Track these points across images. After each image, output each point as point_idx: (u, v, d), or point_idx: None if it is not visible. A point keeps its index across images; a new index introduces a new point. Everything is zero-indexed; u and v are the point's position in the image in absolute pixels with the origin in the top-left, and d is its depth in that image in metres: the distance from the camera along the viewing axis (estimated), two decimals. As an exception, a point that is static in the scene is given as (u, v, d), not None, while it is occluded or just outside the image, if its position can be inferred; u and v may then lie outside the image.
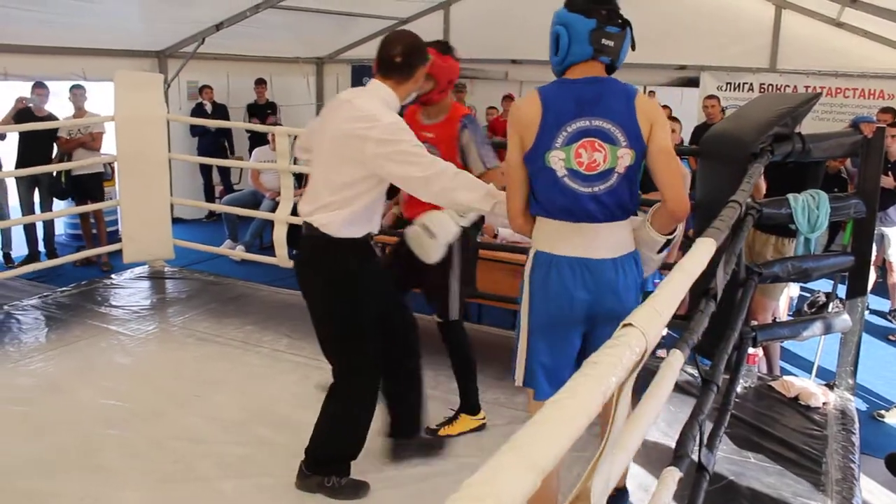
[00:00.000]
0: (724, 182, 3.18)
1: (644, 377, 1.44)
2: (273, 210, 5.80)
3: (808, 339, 3.74)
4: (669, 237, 2.45)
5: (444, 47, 3.10)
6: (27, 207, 7.29)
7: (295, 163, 5.06)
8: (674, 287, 1.42)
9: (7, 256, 7.42)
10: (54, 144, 7.18)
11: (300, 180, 6.64)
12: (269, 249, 6.24)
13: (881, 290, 6.68)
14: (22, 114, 6.96)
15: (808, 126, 3.33)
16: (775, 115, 3.29)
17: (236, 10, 8.14)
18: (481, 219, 4.53)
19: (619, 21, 2.26)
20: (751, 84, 9.19)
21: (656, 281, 4.57)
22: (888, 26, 7.35)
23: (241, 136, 9.66)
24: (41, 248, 7.47)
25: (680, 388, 3.80)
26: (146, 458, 3.13)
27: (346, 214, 2.64)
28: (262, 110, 9.53)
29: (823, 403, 3.71)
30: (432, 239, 2.84)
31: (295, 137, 4.10)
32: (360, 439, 2.94)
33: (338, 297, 2.73)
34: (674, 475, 1.48)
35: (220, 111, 9.24)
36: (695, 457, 1.77)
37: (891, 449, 3.73)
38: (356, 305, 2.76)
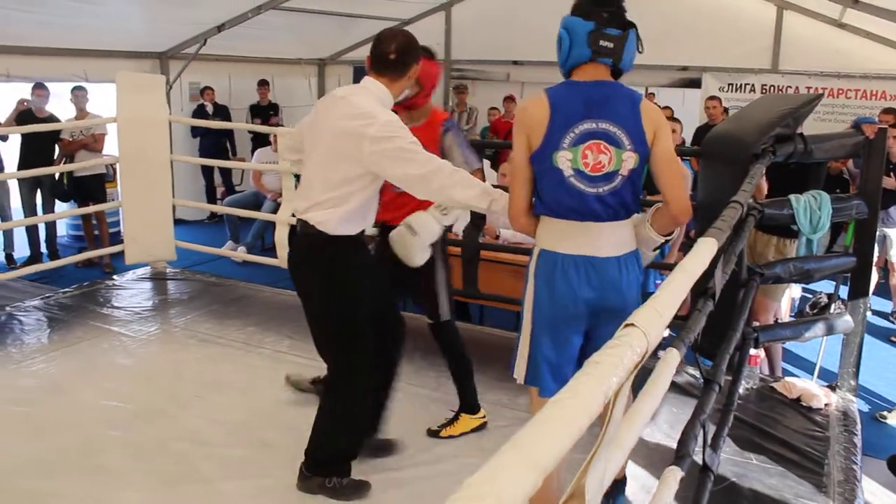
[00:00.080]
0: (725, 183, 3.17)
1: (642, 377, 1.44)
2: (275, 211, 5.81)
3: (810, 340, 3.74)
4: (667, 238, 2.49)
5: (429, 53, 3.11)
6: (29, 209, 7.30)
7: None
8: (675, 287, 1.42)
9: (9, 258, 7.43)
10: (56, 146, 7.20)
11: (302, 181, 6.64)
12: (271, 251, 6.25)
13: (883, 291, 6.67)
14: (23, 115, 6.97)
15: (809, 127, 3.33)
16: (777, 116, 3.29)
17: (238, 12, 8.16)
18: (482, 220, 4.55)
19: (621, 23, 2.28)
20: (752, 85, 9.20)
21: (657, 282, 4.58)
22: (890, 27, 7.35)
23: (244, 138, 9.67)
24: (43, 249, 7.48)
25: (682, 389, 3.80)
26: (148, 459, 3.13)
27: (342, 212, 2.64)
28: (265, 111, 9.54)
29: (825, 405, 3.71)
30: (416, 240, 2.86)
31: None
32: (360, 438, 2.94)
33: (335, 295, 2.73)
34: (675, 474, 1.48)
35: (222, 112, 9.25)
36: (697, 457, 1.77)
37: (893, 450, 3.72)
38: (354, 303, 2.76)
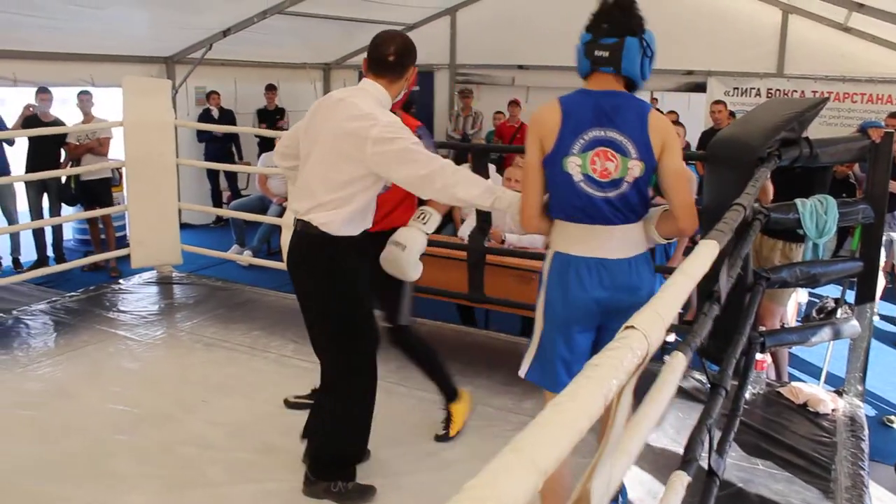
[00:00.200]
0: (731, 187, 3.16)
1: (648, 381, 1.43)
2: (280, 215, 5.83)
3: (817, 344, 3.72)
4: (668, 239, 2.58)
5: None
6: (36, 213, 7.33)
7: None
8: (676, 290, 1.41)
9: (16, 261, 7.46)
10: (62, 150, 7.23)
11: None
12: (277, 255, 6.26)
13: (890, 295, 6.65)
14: (29, 120, 7.01)
15: (815, 131, 3.32)
16: (782, 120, 3.28)
17: (244, 17, 8.18)
18: (488, 224, 4.55)
19: (619, 32, 2.35)
20: (758, 89, 9.18)
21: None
22: (896, 31, 7.34)
23: (250, 142, 9.70)
24: (50, 253, 7.51)
25: (689, 394, 3.79)
26: (154, 463, 3.14)
27: (345, 213, 2.65)
28: (272, 116, 9.57)
29: (832, 410, 3.69)
30: (408, 255, 2.89)
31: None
32: (363, 440, 2.94)
33: (335, 295, 2.73)
34: (682, 479, 1.48)
35: (227, 117, 9.29)
36: (703, 462, 1.76)
37: (900, 455, 3.71)
38: (353, 303, 2.77)
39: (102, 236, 7.62)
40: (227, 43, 8.55)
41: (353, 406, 2.86)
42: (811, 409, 3.70)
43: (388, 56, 2.71)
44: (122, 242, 7.48)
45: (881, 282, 4.37)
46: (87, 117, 7.14)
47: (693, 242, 4.66)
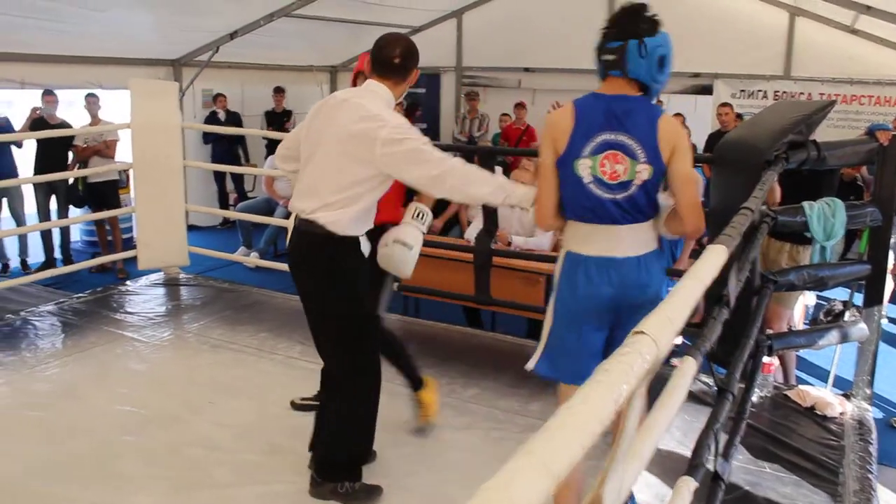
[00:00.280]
0: (738, 189, 3.16)
1: (658, 385, 1.43)
2: (287, 217, 5.83)
3: (825, 348, 3.71)
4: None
5: None
6: (44, 214, 7.36)
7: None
8: (685, 294, 1.42)
9: (24, 263, 7.50)
10: (69, 152, 7.26)
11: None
12: (284, 257, 6.26)
13: (898, 298, 6.62)
14: (37, 123, 7.05)
15: (822, 133, 3.32)
16: (790, 123, 3.28)
17: (250, 19, 8.20)
18: (495, 226, 4.56)
19: (623, 36, 2.40)
20: (765, 91, 9.16)
21: (669, 288, 4.55)
22: (904, 33, 7.32)
23: (258, 144, 9.72)
24: (58, 254, 7.53)
25: (695, 397, 3.78)
26: (161, 464, 3.14)
27: (352, 212, 2.65)
28: (280, 118, 9.59)
29: (840, 413, 3.68)
30: (412, 254, 2.91)
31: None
32: (368, 440, 2.94)
33: (338, 294, 2.73)
34: (689, 485, 1.47)
35: (234, 119, 9.30)
36: (710, 466, 1.76)
37: (908, 459, 3.70)
38: (357, 302, 2.77)
39: (109, 238, 7.65)
40: (233, 46, 8.57)
41: (358, 406, 2.86)
42: (819, 413, 3.69)
43: (395, 58, 2.73)
44: (129, 244, 7.50)
45: (889, 285, 4.36)
46: (95, 120, 7.17)
47: (700, 245, 4.65)
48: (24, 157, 7.35)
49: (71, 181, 7.31)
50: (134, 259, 5.70)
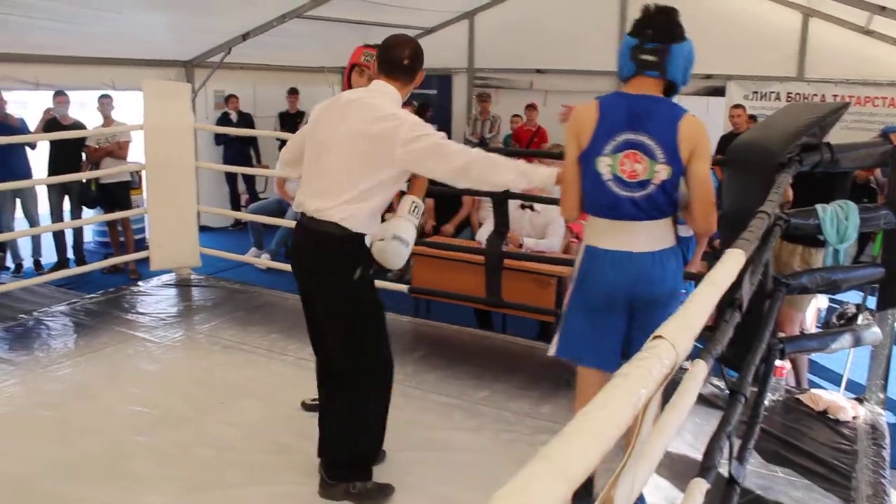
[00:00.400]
0: (751, 192, 3.14)
1: (670, 388, 1.43)
2: (298, 218, 5.82)
3: (838, 351, 3.69)
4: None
5: None
6: (56, 215, 7.40)
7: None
8: (704, 299, 1.41)
9: (37, 263, 7.54)
10: (82, 153, 7.30)
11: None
12: (294, 258, 6.27)
13: (911, 301, 6.56)
14: (50, 124, 7.10)
15: (836, 136, 3.29)
16: (803, 125, 3.26)
17: (262, 21, 8.23)
18: (506, 228, 4.55)
19: (666, 38, 2.48)
20: (778, 93, 9.12)
21: (682, 291, 4.54)
22: (918, 35, 7.27)
23: (270, 145, 9.75)
24: (70, 255, 7.58)
25: (707, 400, 3.76)
26: (172, 464, 3.15)
27: (367, 209, 2.66)
28: (293, 119, 9.61)
29: (853, 417, 3.66)
30: (407, 249, 2.89)
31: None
32: (379, 438, 2.93)
33: (350, 290, 2.71)
34: (701, 487, 1.47)
35: (245, 120, 9.33)
36: (722, 469, 1.75)
37: (922, 464, 3.67)
38: (369, 300, 2.78)
39: (122, 239, 7.69)
40: (245, 47, 8.60)
41: (369, 403, 2.84)
42: (831, 417, 3.67)
43: (404, 59, 2.74)
44: (141, 245, 7.53)
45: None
46: (107, 121, 7.21)
47: (711, 247, 4.64)
48: (38, 158, 7.40)
49: (84, 182, 7.35)
50: (146, 260, 5.73)
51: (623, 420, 0.87)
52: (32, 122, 7.32)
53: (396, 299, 5.04)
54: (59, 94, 7.12)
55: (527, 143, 9.37)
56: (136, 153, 6.87)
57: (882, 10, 6.94)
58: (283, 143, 9.21)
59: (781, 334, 3.81)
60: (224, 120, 9.23)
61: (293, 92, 9.71)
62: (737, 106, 8.13)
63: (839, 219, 3.23)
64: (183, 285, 5.71)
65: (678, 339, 1.13)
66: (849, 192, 4.18)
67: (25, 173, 7.12)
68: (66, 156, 7.11)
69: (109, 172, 6.92)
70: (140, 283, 5.85)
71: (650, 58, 2.48)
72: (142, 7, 7.08)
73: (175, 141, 5.47)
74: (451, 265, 5.22)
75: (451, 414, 3.67)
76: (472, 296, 4.88)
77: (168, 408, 3.66)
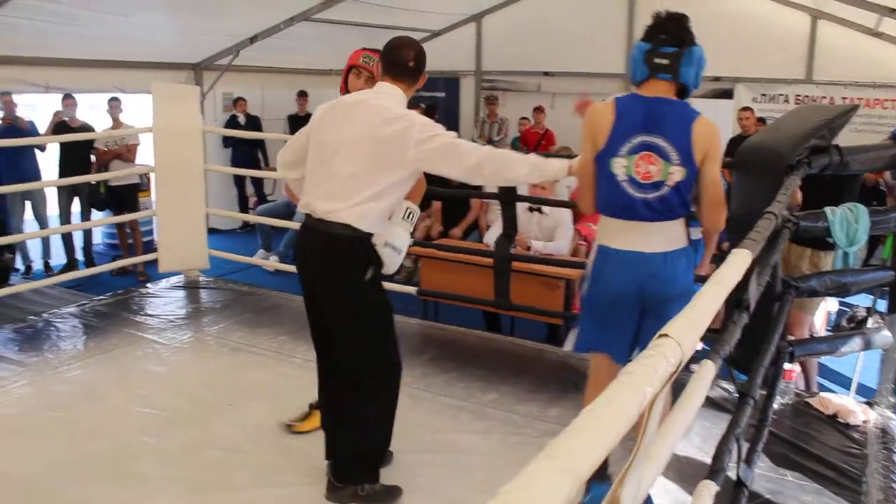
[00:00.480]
0: (759, 195, 3.13)
1: (677, 390, 1.42)
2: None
3: (847, 355, 3.67)
4: None
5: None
6: (65, 217, 7.44)
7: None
8: (710, 299, 1.41)
9: (46, 265, 7.58)
10: (91, 155, 7.34)
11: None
12: (302, 260, 6.28)
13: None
14: (59, 127, 7.15)
15: (845, 138, 3.28)
16: (812, 127, 3.25)
17: (270, 23, 8.25)
18: (514, 231, 4.55)
19: (678, 43, 2.55)
20: (786, 96, 9.09)
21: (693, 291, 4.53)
22: (928, 37, 7.24)
23: (279, 148, 9.70)
24: (79, 256, 7.61)
25: (716, 403, 3.75)
26: (180, 466, 3.16)
27: (380, 210, 2.66)
28: (302, 122, 9.59)
29: (863, 421, 3.64)
30: (401, 257, 2.89)
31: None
32: (388, 440, 2.92)
33: (360, 292, 2.70)
34: (710, 489, 1.46)
35: (253, 123, 9.36)
36: (731, 472, 1.74)
37: (932, 468, 3.64)
38: (378, 299, 2.77)
39: (130, 241, 7.72)
40: (253, 49, 8.62)
41: (377, 407, 2.83)
42: (841, 421, 3.65)
43: (409, 61, 2.74)
44: (150, 247, 7.57)
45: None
46: (116, 123, 7.25)
47: (720, 250, 4.62)
48: (48, 161, 7.44)
49: (93, 184, 7.39)
50: (155, 262, 5.75)
51: (629, 417, 0.87)
52: (42, 125, 7.37)
53: (405, 301, 5.03)
54: (67, 97, 7.18)
55: (534, 146, 9.36)
56: (145, 156, 6.90)
57: (891, 11, 6.91)
58: (291, 145, 9.27)
59: (791, 337, 3.80)
60: (232, 122, 9.26)
61: (302, 94, 9.73)
62: (745, 108, 8.10)
63: (849, 221, 3.21)
64: (191, 287, 5.72)
65: (684, 337, 1.13)
66: (858, 194, 4.17)
67: (35, 175, 7.18)
68: (75, 158, 7.15)
69: (118, 175, 6.95)
70: (149, 285, 5.87)
71: (662, 61, 2.55)
72: (150, 10, 7.11)
73: (184, 143, 5.48)
74: (460, 267, 5.22)
75: (459, 416, 3.66)
76: (480, 298, 4.88)
77: (176, 409, 3.67)
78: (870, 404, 3.80)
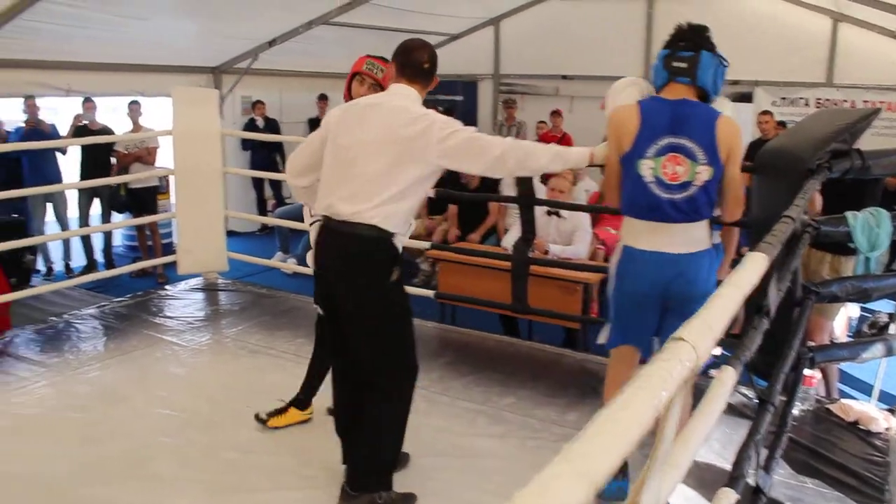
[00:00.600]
0: (779, 199, 3.11)
1: (697, 396, 1.41)
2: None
3: (869, 361, 3.63)
4: None
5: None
6: (85, 219, 7.52)
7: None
8: (725, 302, 1.40)
9: (67, 266, 7.65)
10: (112, 158, 7.41)
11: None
12: (320, 263, 6.30)
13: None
14: (80, 130, 7.22)
15: (867, 142, 3.25)
16: (833, 131, 3.22)
17: (289, 27, 8.30)
18: (532, 235, 4.53)
19: (696, 48, 2.64)
20: (806, 99, 9.02)
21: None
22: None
23: (297, 151, 9.79)
24: (100, 258, 7.68)
25: (735, 409, 3.72)
26: (199, 467, 3.17)
27: (405, 209, 2.66)
28: (323, 125, 9.65)
29: (885, 429, 3.60)
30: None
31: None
32: (399, 446, 2.90)
33: (383, 293, 2.69)
34: (729, 496, 1.45)
35: (272, 126, 9.40)
36: (750, 479, 1.73)
37: (956, 476, 3.59)
38: (400, 301, 2.76)
39: (150, 243, 7.78)
40: (272, 53, 8.67)
41: (393, 410, 2.81)
42: (862, 428, 3.61)
43: (424, 63, 2.75)
44: (169, 249, 7.63)
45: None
46: (136, 126, 7.31)
47: (739, 255, 4.59)
48: (69, 164, 7.52)
49: (113, 186, 7.45)
50: (174, 264, 5.79)
51: (645, 421, 0.86)
52: (63, 129, 7.44)
53: (422, 305, 5.03)
54: (87, 101, 7.26)
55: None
56: (164, 158, 6.95)
57: (914, 14, 6.85)
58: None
59: (811, 343, 3.76)
60: (251, 126, 9.31)
61: (323, 98, 9.76)
62: (764, 112, 8.04)
63: (870, 226, 3.18)
64: (210, 289, 5.75)
65: (699, 340, 1.12)
66: (880, 199, 4.13)
67: (57, 178, 7.25)
68: (96, 161, 7.22)
69: (139, 177, 7.01)
70: (168, 286, 5.90)
71: (681, 65, 2.64)
72: (170, 14, 7.18)
73: (203, 146, 5.52)
74: (478, 271, 5.22)
75: (477, 420, 3.65)
76: (497, 302, 4.87)
77: (195, 411, 3.69)
78: (892, 411, 3.75)
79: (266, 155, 9.41)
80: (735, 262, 4.25)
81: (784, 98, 9.15)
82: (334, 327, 2.85)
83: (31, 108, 7.00)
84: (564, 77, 10.55)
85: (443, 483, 3.08)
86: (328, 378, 3.21)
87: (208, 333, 4.84)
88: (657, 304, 2.74)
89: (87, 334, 4.73)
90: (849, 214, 3.19)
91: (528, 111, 10.57)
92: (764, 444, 1.87)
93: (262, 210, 9.73)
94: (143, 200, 7.48)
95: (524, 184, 4.29)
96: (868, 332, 4.73)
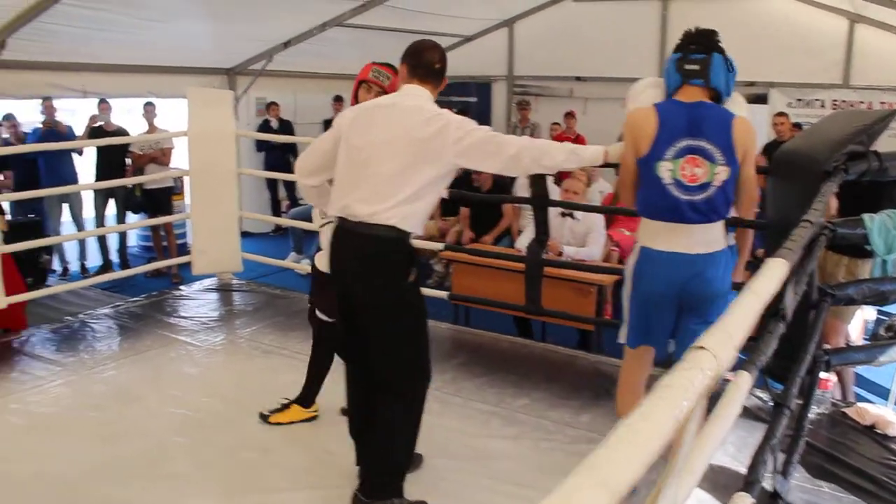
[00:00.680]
0: (795, 201, 3.10)
1: (712, 400, 1.40)
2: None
3: (885, 364, 3.61)
4: None
5: (394, 67, 3.16)
6: (100, 219, 7.57)
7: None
8: (746, 309, 1.39)
9: (83, 266, 7.71)
10: (127, 159, 7.46)
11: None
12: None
13: (962, 314, 6.40)
14: (95, 131, 7.27)
15: (884, 144, 3.23)
16: (850, 133, 3.20)
17: (304, 29, 8.32)
18: (546, 236, 4.53)
19: (706, 50, 2.68)
20: (822, 101, 8.95)
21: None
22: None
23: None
24: (115, 258, 7.72)
25: (751, 413, 3.70)
26: (215, 467, 3.19)
27: (423, 209, 2.67)
28: (339, 127, 9.67)
29: (902, 432, 3.57)
30: None
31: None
32: (411, 450, 2.90)
33: (400, 294, 2.69)
34: (745, 501, 1.44)
35: (286, 127, 9.43)
36: (766, 483, 1.72)
37: (973, 481, 3.56)
38: (416, 302, 2.76)
39: (164, 244, 7.82)
40: (286, 55, 8.70)
41: (407, 408, 2.80)
42: (879, 431, 3.58)
43: (436, 63, 2.76)
44: (183, 250, 7.66)
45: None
46: (151, 128, 7.36)
47: (754, 256, 4.56)
48: (84, 164, 7.57)
49: (129, 187, 7.50)
50: (188, 264, 5.81)
51: (666, 431, 0.86)
52: (80, 130, 7.50)
53: (436, 306, 5.02)
54: (102, 102, 7.32)
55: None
56: (179, 159, 6.99)
57: (932, 15, 6.79)
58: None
59: (826, 346, 3.74)
60: (265, 127, 9.35)
61: (338, 99, 9.79)
62: (780, 114, 7.98)
63: (887, 229, 3.16)
64: (224, 290, 5.78)
65: (720, 349, 1.11)
66: (897, 201, 4.09)
67: (73, 179, 7.31)
68: (111, 162, 7.28)
69: (154, 178, 7.05)
70: (182, 287, 5.93)
71: (693, 67, 2.67)
72: (185, 16, 7.21)
73: (218, 147, 5.54)
74: (491, 273, 5.22)
75: (490, 421, 3.65)
76: (511, 303, 4.87)
77: (209, 411, 3.70)
78: (908, 415, 3.72)
79: (280, 156, 9.44)
80: (749, 264, 4.25)
81: (800, 99, 9.09)
82: (350, 328, 2.85)
83: (48, 110, 7.06)
84: (578, 78, 10.52)
85: (455, 484, 3.08)
86: (342, 378, 3.23)
87: (222, 333, 4.86)
88: (674, 304, 2.77)
89: (103, 334, 4.76)
90: (865, 217, 3.17)
91: (541, 113, 10.54)
92: (781, 449, 1.86)
93: (276, 211, 9.76)
94: (158, 201, 7.52)
95: (538, 185, 4.28)
96: (884, 336, 4.69)
